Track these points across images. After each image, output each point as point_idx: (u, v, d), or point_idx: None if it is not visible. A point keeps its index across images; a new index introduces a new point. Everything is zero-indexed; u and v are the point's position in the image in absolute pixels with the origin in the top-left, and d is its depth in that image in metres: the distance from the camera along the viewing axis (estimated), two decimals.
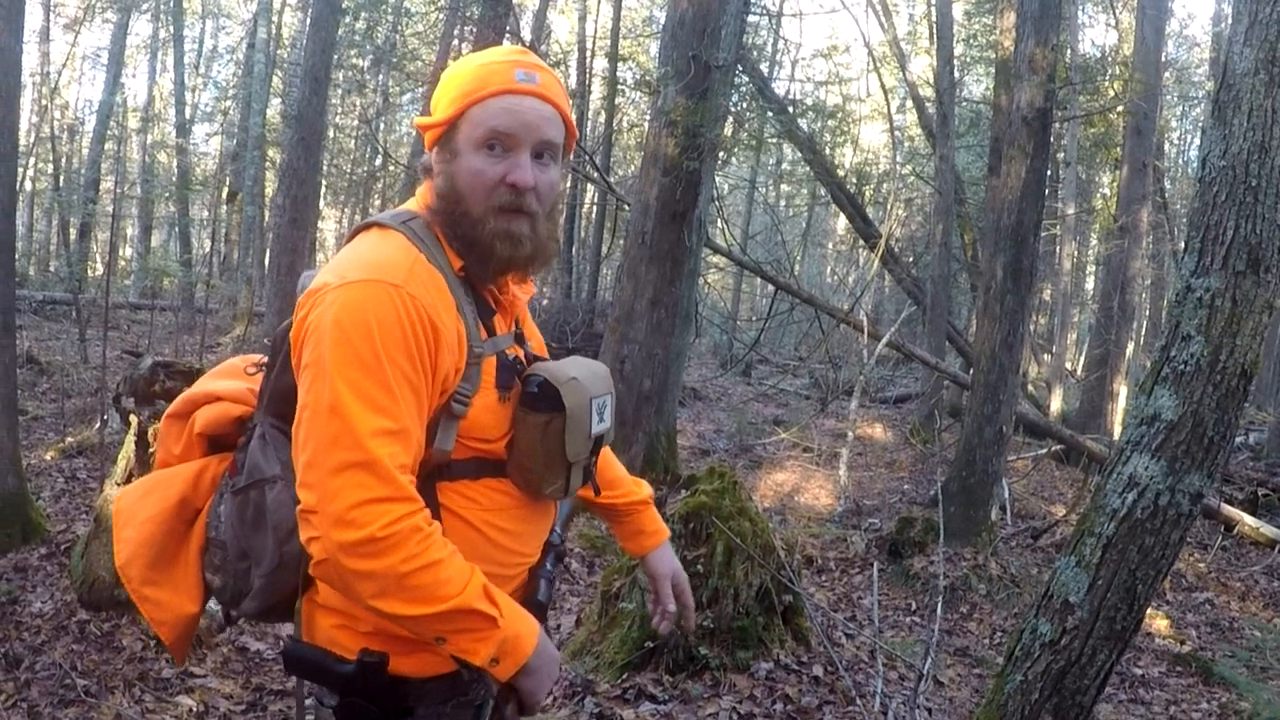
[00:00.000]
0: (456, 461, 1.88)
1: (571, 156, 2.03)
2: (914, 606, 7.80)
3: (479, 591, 1.75)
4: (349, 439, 1.68)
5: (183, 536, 2.03)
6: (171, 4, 25.57)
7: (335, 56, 16.43)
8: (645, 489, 2.46)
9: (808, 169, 18.97)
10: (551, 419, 1.92)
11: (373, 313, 1.72)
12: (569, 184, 18.74)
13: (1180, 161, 30.10)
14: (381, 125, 28.71)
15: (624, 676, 5.22)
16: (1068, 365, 20.48)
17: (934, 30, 17.26)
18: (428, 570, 1.70)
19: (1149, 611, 5.81)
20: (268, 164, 24.21)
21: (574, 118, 2.08)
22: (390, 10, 22.36)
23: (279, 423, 1.95)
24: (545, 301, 18.13)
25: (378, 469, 1.68)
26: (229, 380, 2.18)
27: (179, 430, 2.12)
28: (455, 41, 19.45)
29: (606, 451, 2.40)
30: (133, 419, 5.53)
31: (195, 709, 4.72)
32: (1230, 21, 4.13)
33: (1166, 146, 25.75)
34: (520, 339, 2.08)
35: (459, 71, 1.96)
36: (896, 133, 20.92)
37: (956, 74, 17.21)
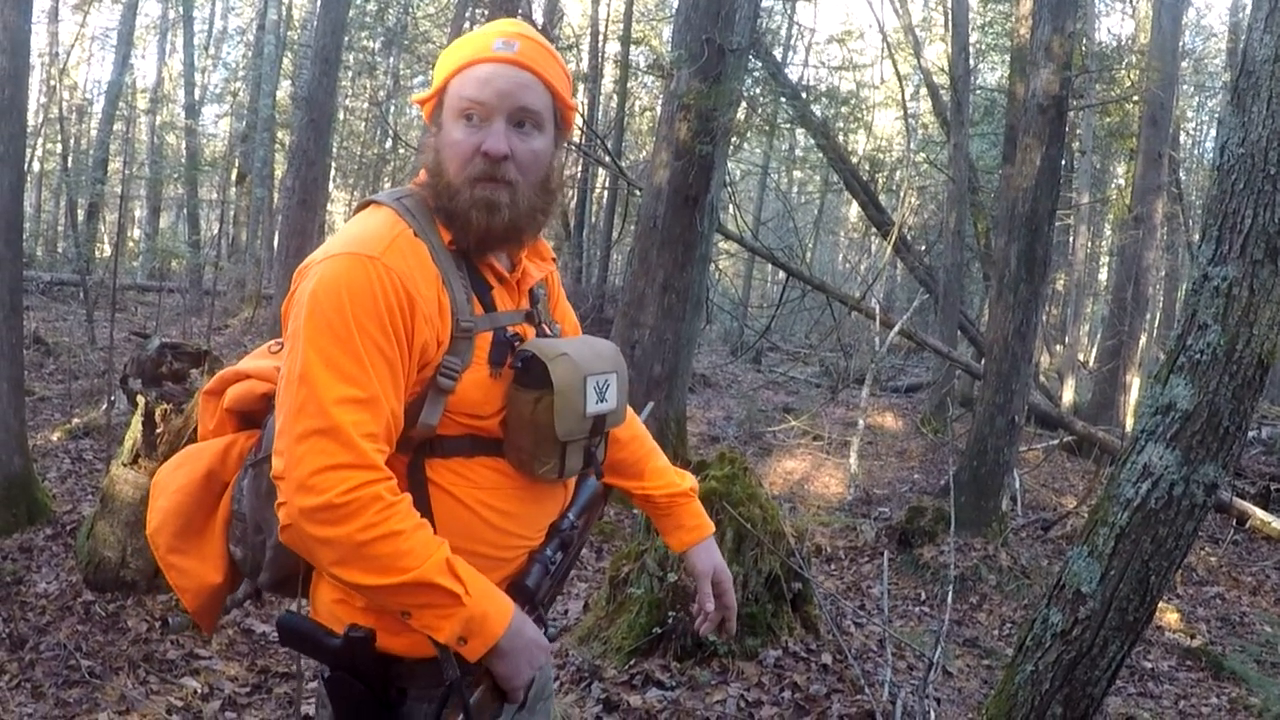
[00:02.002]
0: (448, 438, 1.87)
1: (574, 130, 2.00)
2: (923, 596, 7.77)
3: (441, 565, 1.73)
4: (314, 406, 1.69)
5: (210, 509, 2.03)
6: None
7: (346, 38, 16.41)
8: (688, 480, 2.42)
9: (820, 155, 18.90)
10: (540, 396, 1.89)
11: (344, 283, 1.73)
12: (580, 168, 18.69)
13: (1196, 152, 29.95)
14: (392, 107, 28.70)
15: (631, 662, 5.20)
16: (1080, 356, 20.40)
17: (949, 17, 17.19)
18: (386, 540, 1.68)
19: (1160, 605, 5.77)
20: (277, 146, 24.17)
21: (576, 91, 2.06)
22: None
23: None
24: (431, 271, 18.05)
25: (339, 435, 1.68)
26: (257, 360, 2.18)
27: (213, 407, 2.13)
28: (467, 24, 19.40)
29: (645, 439, 2.41)
30: (140, 400, 5.51)
31: (200, 690, 4.71)
32: (1250, 9, 4.08)
33: (1182, 137, 25.62)
34: (533, 318, 2.05)
35: (449, 49, 1.96)
36: (910, 120, 20.84)
37: (971, 61, 17.13)
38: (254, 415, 2.10)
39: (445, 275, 1.86)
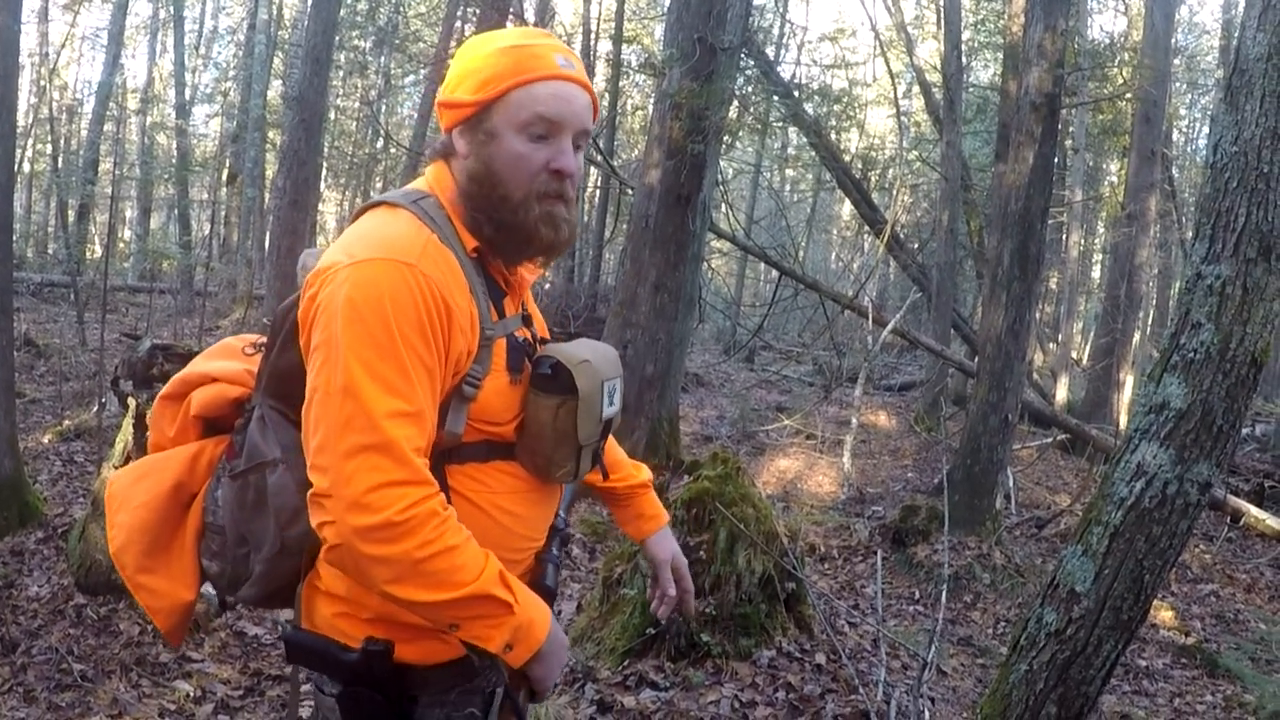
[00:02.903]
0: (466, 444, 1.85)
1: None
2: (917, 595, 7.76)
3: (495, 577, 1.73)
4: (363, 421, 1.64)
5: (178, 522, 1.99)
6: None
7: (337, 38, 16.35)
8: (645, 472, 2.43)
9: (813, 154, 18.89)
10: (564, 401, 1.90)
11: (386, 291, 1.68)
12: None
13: (1189, 150, 29.95)
14: (383, 107, 28.62)
15: (625, 663, 5.19)
16: (1073, 354, 20.42)
17: (941, 14, 17.19)
18: (444, 556, 1.67)
19: (1154, 603, 5.77)
20: (268, 146, 24.14)
21: None
22: None
23: (278, 404, 1.92)
24: (548, 286, 18.07)
25: (394, 451, 1.65)
26: (225, 361, 2.13)
27: (173, 412, 2.08)
28: (458, 23, 19.38)
29: None
30: (131, 402, 5.49)
31: (192, 694, 4.69)
32: (1243, 7, 4.08)
33: (1175, 134, 25.61)
34: (527, 321, 2.04)
35: (489, 52, 1.88)
36: (903, 118, 20.87)
37: (964, 59, 17.14)
38: (221, 422, 2.06)
39: (472, 284, 1.83)
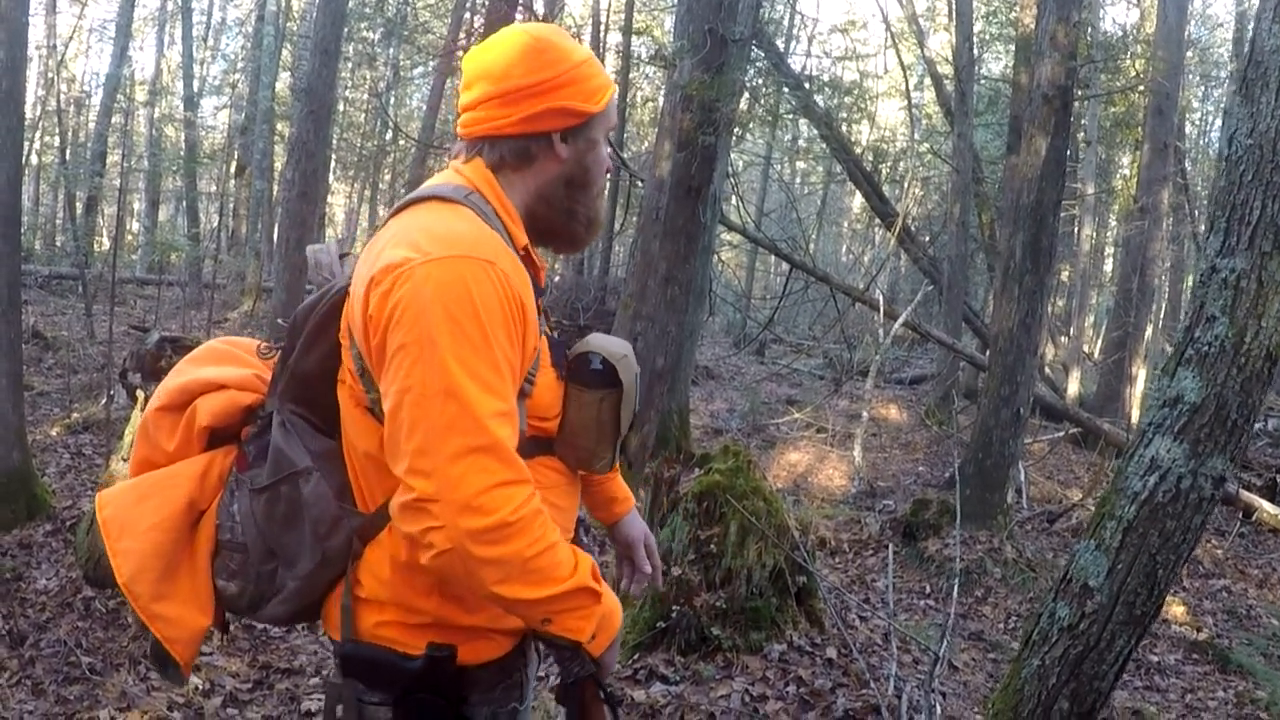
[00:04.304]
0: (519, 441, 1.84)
1: None
2: (928, 589, 7.75)
3: (588, 569, 1.76)
4: (469, 422, 1.63)
5: (189, 542, 1.92)
6: None
7: (346, 29, 16.30)
8: None
9: (824, 146, 18.85)
10: (606, 395, 1.92)
11: (474, 290, 1.66)
12: None
13: (1201, 143, 29.82)
14: (392, 99, 28.60)
15: (635, 657, 5.18)
16: (1085, 348, 20.35)
17: (953, 6, 17.13)
18: (549, 552, 1.69)
19: (1166, 598, 5.75)
20: (276, 138, 24.10)
21: None
22: None
23: (301, 410, 1.88)
24: (557, 278, 18.06)
25: (500, 452, 1.65)
26: (226, 367, 2.07)
27: (172, 424, 1.99)
28: (467, 14, 19.34)
29: None
30: (139, 394, 5.49)
31: (201, 687, 4.69)
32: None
33: (1188, 127, 25.50)
34: (547, 315, 2.05)
35: (583, 59, 1.92)
36: (914, 110, 20.79)
37: (975, 51, 17.05)
38: (226, 431, 2.00)
39: (529, 281, 1.83)
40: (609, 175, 2.00)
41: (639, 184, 13.80)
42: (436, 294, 1.64)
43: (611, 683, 4.91)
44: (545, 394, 1.86)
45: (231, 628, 5.34)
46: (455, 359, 1.63)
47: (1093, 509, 9.12)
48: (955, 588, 5.89)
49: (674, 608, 5.25)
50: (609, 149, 1.97)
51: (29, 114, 15.79)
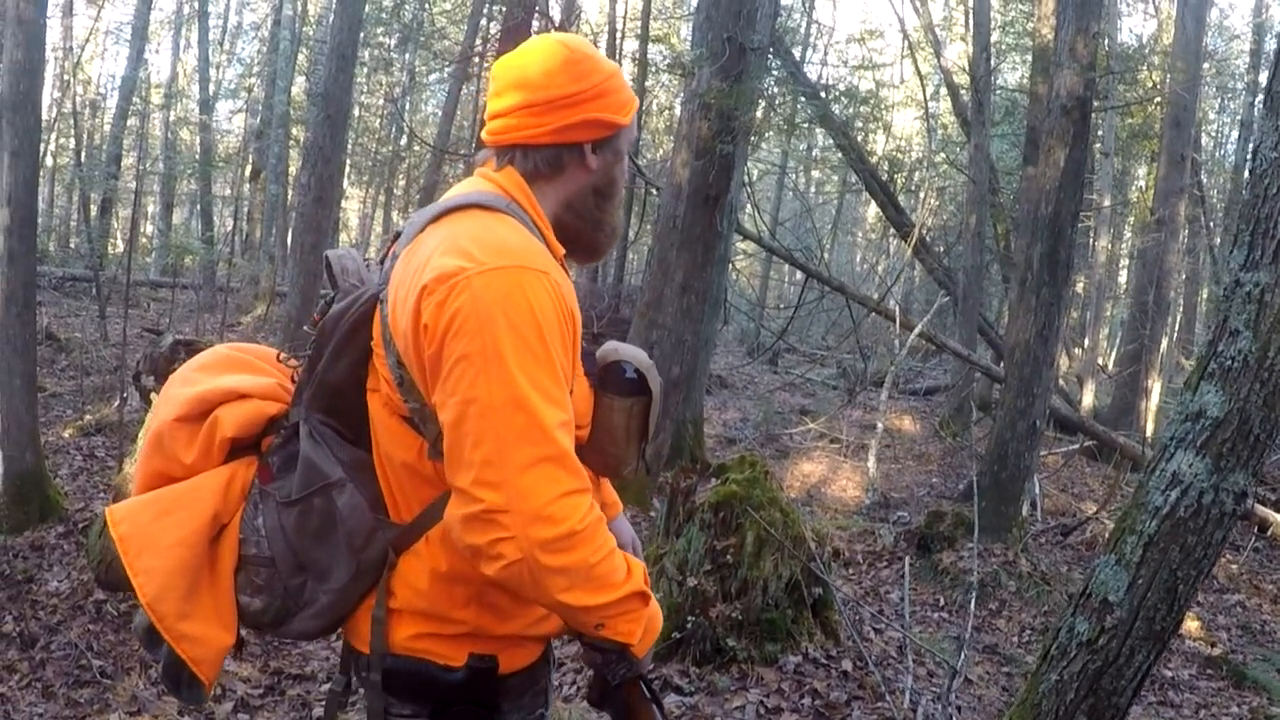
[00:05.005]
0: None
1: None
2: (942, 602, 7.70)
3: (642, 573, 1.80)
4: (537, 433, 1.64)
5: (211, 558, 1.87)
6: None
7: (362, 34, 16.32)
8: None
9: (839, 155, 18.82)
10: (636, 402, 1.93)
11: (534, 300, 1.68)
12: None
13: (1218, 155, 29.78)
14: (407, 104, 28.64)
15: (650, 667, 5.12)
16: (1100, 360, 20.29)
17: (970, 16, 17.10)
18: (609, 559, 1.71)
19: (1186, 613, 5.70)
20: (291, 142, 24.13)
21: None
22: None
23: (330, 420, 1.86)
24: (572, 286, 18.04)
25: (567, 461, 1.67)
26: (245, 375, 2.03)
27: (190, 435, 1.93)
28: (484, 20, 19.37)
29: None
30: (153, 397, 5.45)
31: (213, 693, 4.65)
32: (1279, 10, 4.01)
33: (1204, 139, 25.46)
34: None
35: (610, 72, 1.93)
36: (930, 120, 20.76)
37: (992, 61, 17.02)
38: (246, 441, 1.95)
39: (574, 291, 1.84)
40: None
41: (654, 192, 13.80)
42: (497, 304, 1.64)
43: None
44: (581, 402, 1.87)
45: (243, 631, 5.33)
46: (520, 370, 1.63)
47: (1107, 522, 9.13)
48: (972, 601, 5.86)
49: (689, 618, 5.23)
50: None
51: (45, 116, 15.84)
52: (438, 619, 1.80)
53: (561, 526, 1.62)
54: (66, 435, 9.20)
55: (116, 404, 9.06)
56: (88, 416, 9.70)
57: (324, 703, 4.64)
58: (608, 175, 1.93)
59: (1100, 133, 17.38)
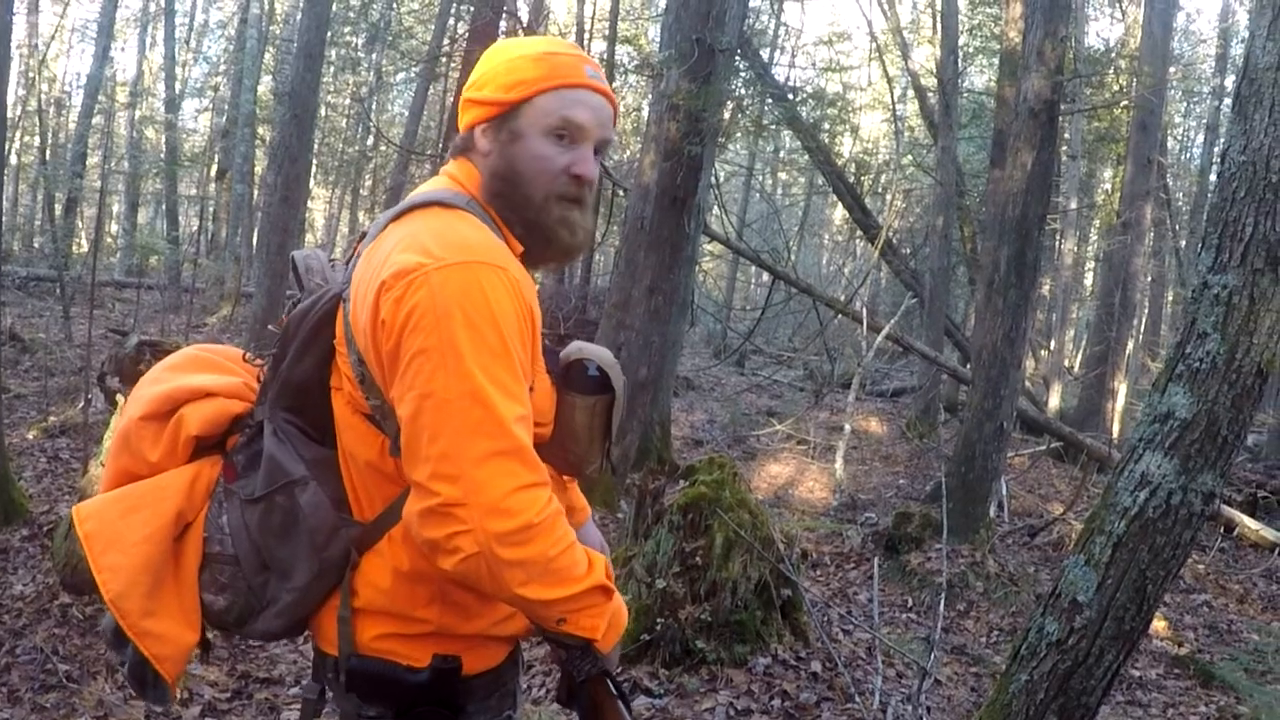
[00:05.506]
0: None
1: None
2: (910, 603, 7.74)
3: (602, 567, 1.78)
4: (493, 426, 1.64)
5: (175, 556, 1.88)
6: None
7: (329, 33, 16.26)
8: None
9: (806, 157, 18.88)
10: (598, 401, 1.94)
11: (492, 296, 1.68)
12: None
13: (1184, 158, 30.07)
14: (374, 104, 28.53)
15: (619, 669, 5.12)
16: (1066, 362, 20.43)
17: (938, 19, 17.17)
18: (568, 552, 1.70)
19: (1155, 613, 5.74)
20: (258, 142, 24.01)
21: None
22: None
23: (294, 418, 1.86)
24: (538, 287, 17.99)
25: (524, 455, 1.67)
26: (212, 374, 2.04)
27: (155, 433, 1.95)
28: (451, 20, 19.31)
29: None
30: (118, 398, 5.42)
31: (180, 696, 4.62)
32: (1251, 16, 4.06)
33: (1170, 143, 25.68)
34: None
35: (521, 55, 1.90)
36: (898, 122, 20.85)
37: (959, 64, 17.11)
38: (211, 440, 1.96)
39: (534, 287, 1.83)
40: (590, 187, 1.95)
41: (622, 193, 13.80)
42: (455, 299, 1.64)
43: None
44: (543, 400, 1.86)
45: (210, 635, 5.29)
46: (477, 364, 1.63)
47: (1074, 523, 9.19)
48: (941, 602, 5.88)
49: (659, 620, 5.23)
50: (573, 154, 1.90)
51: (10, 114, 15.68)
52: (401, 618, 1.80)
53: (518, 519, 1.62)
54: (31, 437, 9.11)
55: (81, 405, 8.98)
56: (52, 418, 9.61)
57: (294, 708, 4.63)
58: (503, 157, 1.87)
59: (1067, 136, 17.50)
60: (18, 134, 23.99)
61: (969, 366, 11.93)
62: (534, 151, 1.85)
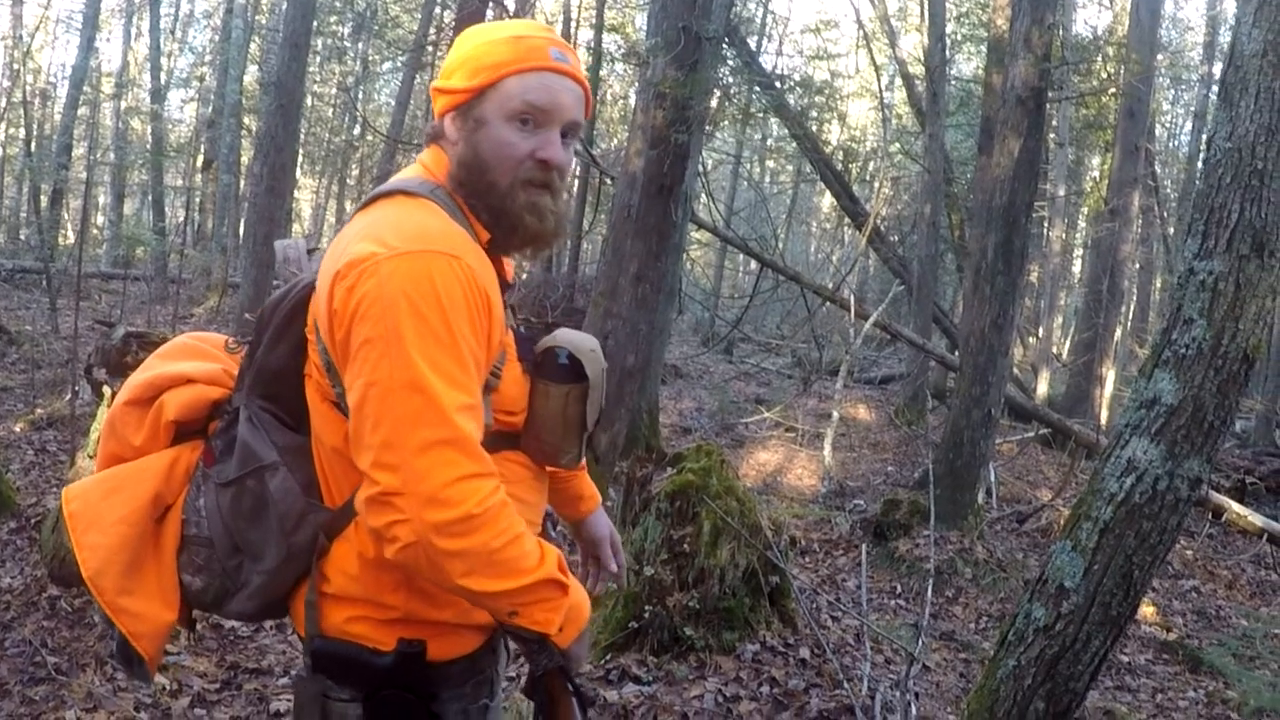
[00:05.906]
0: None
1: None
2: (898, 589, 7.76)
3: (554, 561, 1.76)
4: (434, 415, 1.64)
5: (155, 536, 1.91)
6: None
7: (315, 23, 16.20)
8: None
9: (793, 145, 18.86)
10: (573, 389, 1.93)
11: (440, 284, 1.67)
12: None
13: (1172, 145, 30.14)
14: (360, 93, 28.46)
15: (607, 657, 5.16)
16: (1054, 349, 20.47)
17: (925, 6, 17.15)
18: (514, 543, 1.69)
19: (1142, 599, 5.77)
20: (244, 132, 23.95)
21: None
22: None
23: (268, 405, 1.88)
24: (525, 275, 17.98)
25: (465, 445, 1.66)
26: (195, 362, 2.07)
27: (139, 418, 2.00)
28: (438, 9, 19.24)
29: None
30: (105, 390, 5.41)
31: (169, 687, 4.62)
32: (1233, 3, 4.08)
33: (1158, 130, 25.69)
34: (515, 311, 2.06)
35: (486, 41, 1.90)
36: (885, 110, 20.85)
37: (947, 52, 17.10)
38: (192, 425, 2.00)
39: (495, 275, 1.85)
40: (573, 174, 1.94)
41: (607, 181, 13.78)
42: (401, 288, 1.65)
43: (582, 679, 4.89)
44: (511, 388, 1.87)
45: (199, 626, 5.29)
46: (420, 353, 1.64)
47: (1062, 509, 9.22)
48: (929, 588, 5.90)
49: (647, 608, 5.23)
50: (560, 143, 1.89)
51: None
52: (370, 604, 1.81)
53: (457, 510, 1.61)
54: (18, 429, 9.08)
55: (68, 397, 8.95)
56: (39, 410, 9.58)
57: (284, 698, 4.63)
58: (468, 144, 1.87)
59: (1055, 123, 17.50)
60: (3, 125, 23.92)
61: (957, 353, 11.95)
62: (498, 137, 1.85)
